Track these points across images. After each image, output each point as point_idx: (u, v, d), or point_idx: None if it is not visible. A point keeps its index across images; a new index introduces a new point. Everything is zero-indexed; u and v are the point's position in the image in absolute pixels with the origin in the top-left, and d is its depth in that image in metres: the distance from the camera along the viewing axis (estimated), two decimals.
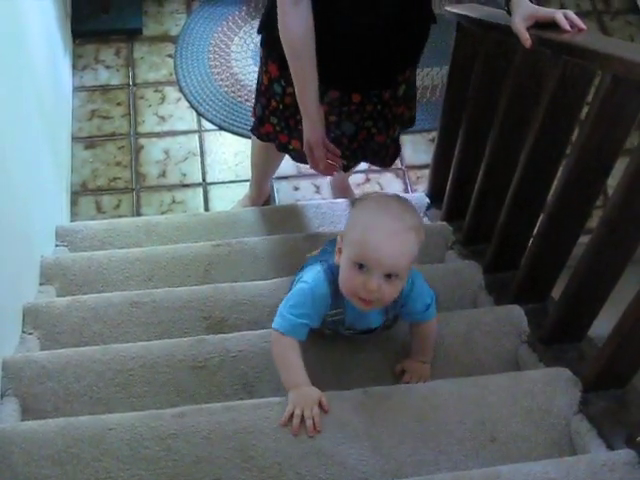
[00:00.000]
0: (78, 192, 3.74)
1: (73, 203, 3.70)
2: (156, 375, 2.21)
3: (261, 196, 3.54)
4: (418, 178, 3.81)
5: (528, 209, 2.44)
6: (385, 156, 2.83)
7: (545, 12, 2.09)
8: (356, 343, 2.24)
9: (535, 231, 2.41)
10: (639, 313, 1.88)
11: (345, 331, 2.16)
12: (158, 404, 2.14)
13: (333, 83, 2.42)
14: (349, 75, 2.42)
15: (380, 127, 2.64)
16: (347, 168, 2.84)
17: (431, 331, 2.18)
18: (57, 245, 3.13)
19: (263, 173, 3.41)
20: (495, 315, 2.38)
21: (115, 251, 2.94)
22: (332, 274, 1.99)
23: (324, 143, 2.44)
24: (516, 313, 2.38)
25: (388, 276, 1.83)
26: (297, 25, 2.18)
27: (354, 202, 2.08)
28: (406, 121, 2.77)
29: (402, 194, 3.59)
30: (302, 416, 1.93)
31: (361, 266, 1.83)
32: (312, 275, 2.03)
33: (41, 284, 2.79)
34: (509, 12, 2.14)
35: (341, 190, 3.63)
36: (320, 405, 1.96)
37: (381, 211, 1.87)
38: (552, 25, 2.05)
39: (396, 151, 2.87)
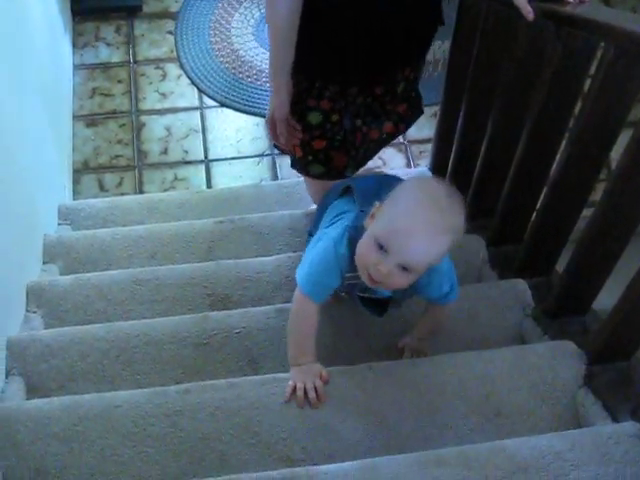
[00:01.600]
0: (80, 170, 3.74)
1: (75, 181, 3.69)
2: (160, 352, 2.21)
3: None
4: (421, 152, 3.80)
5: (531, 182, 2.43)
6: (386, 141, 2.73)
7: None
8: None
9: (538, 204, 2.40)
10: None
11: (359, 294, 2.06)
12: (163, 381, 2.14)
13: (332, 77, 2.38)
14: (347, 69, 2.35)
15: (369, 122, 2.54)
16: (354, 168, 2.66)
17: (442, 314, 2.13)
18: (60, 224, 3.13)
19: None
20: (499, 289, 2.39)
21: (118, 229, 2.94)
22: (356, 236, 1.85)
23: (286, 119, 2.39)
24: (520, 287, 2.38)
25: (404, 267, 1.71)
26: (284, 7, 2.13)
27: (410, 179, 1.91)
28: (410, 116, 2.69)
29: (405, 170, 3.59)
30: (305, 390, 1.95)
31: (381, 246, 1.71)
32: (336, 234, 1.93)
33: (44, 263, 2.79)
34: None
35: None
36: (322, 377, 1.97)
37: (427, 202, 1.70)
38: None
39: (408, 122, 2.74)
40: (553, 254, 2.42)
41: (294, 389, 1.95)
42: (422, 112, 2.72)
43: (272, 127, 2.42)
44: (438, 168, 3.20)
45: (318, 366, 2.00)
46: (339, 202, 2.17)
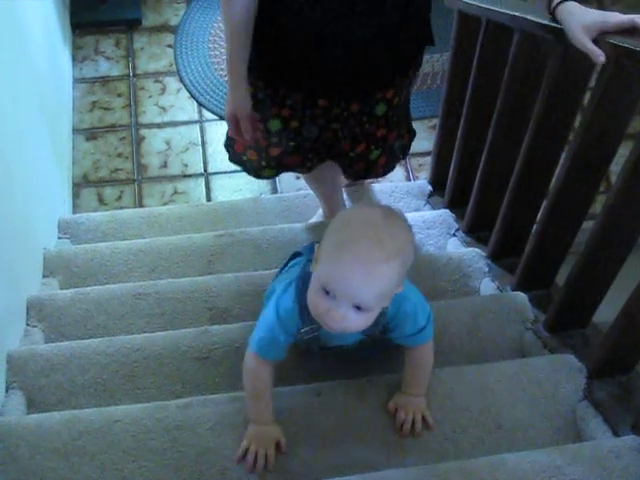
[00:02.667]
0: (80, 184, 3.74)
1: (75, 195, 3.69)
2: (161, 366, 2.22)
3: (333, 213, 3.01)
4: (420, 165, 3.80)
5: (531, 195, 2.43)
6: (347, 166, 2.58)
7: (620, 20, 1.74)
8: (338, 359, 2.11)
9: (538, 217, 2.40)
10: None
11: (319, 350, 2.01)
12: (163, 395, 2.14)
13: (297, 86, 2.29)
14: (314, 80, 2.25)
15: (345, 135, 2.42)
16: (310, 168, 2.58)
17: (425, 358, 1.97)
18: (60, 237, 3.14)
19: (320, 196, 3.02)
20: (499, 302, 2.39)
21: (118, 243, 2.94)
22: (305, 286, 1.73)
23: (249, 115, 2.28)
24: (520, 300, 2.38)
25: (357, 307, 1.60)
26: (240, 3, 2.06)
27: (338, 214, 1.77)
28: (396, 150, 2.61)
29: (404, 183, 3.59)
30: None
31: (327, 292, 1.59)
32: (280, 291, 1.84)
33: (44, 277, 2.80)
34: (554, 18, 1.89)
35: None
36: (278, 446, 1.90)
37: (360, 231, 1.59)
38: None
39: (384, 168, 2.64)
40: (553, 267, 2.42)
41: (246, 451, 1.88)
42: (412, 136, 2.71)
43: (235, 124, 2.31)
44: (437, 181, 3.20)
45: (276, 431, 1.91)
46: (287, 269, 2.14)
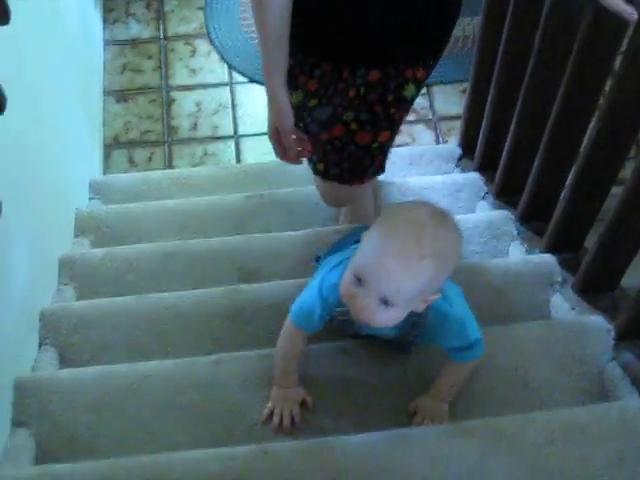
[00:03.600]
0: (111, 145, 3.75)
1: (106, 157, 3.71)
2: (191, 324, 2.24)
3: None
4: (449, 130, 3.79)
5: (561, 159, 2.42)
6: (368, 166, 2.29)
7: None
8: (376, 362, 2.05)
9: (568, 181, 2.40)
10: None
11: (354, 333, 1.99)
12: (193, 353, 2.15)
13: (326, 53, 2.10)
14: (342, 42, 2.05)
15: (363, 121, 2.15)
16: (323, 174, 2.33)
17: (462, 374, 1.92)
18: (91, 198, 3.16)
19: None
20: (528, 265, 2.38)
21: (148, 203, 2.96)
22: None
23: (293, 129, 2.07)
24: (549, 262, 2.38)
25: (384, 301, 1.56)
26: (277, 6, 1.88)
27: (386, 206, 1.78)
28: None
29: (434, 146, 3.58)
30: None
31: (359, 280, 1.57)
32: (328, 270, 1.81)
33: (76, 236, 2.82)
34: None
35: (358, 217, 2.71)
36: (304, 404, 1.94)
37: (402, 227, 1.55)
38: None
39: (380, 167, 2.34)
40: (582, 230, 2.42)
41: (271, 413, 1.92)
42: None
43: (278, 141, 2.10)
44: (467, 145, 3.19)
45: (300, 392, 1.94)
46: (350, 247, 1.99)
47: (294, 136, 2.08)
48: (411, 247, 1.51)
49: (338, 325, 1.93)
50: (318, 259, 2.22)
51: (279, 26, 1.91)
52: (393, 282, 1.53)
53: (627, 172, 2.05)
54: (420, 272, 1.52)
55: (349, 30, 2.01)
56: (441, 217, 1.59)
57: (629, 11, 1.72)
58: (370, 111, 2.12)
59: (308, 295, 1.82)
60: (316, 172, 2.35)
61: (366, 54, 2.07)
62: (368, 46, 2.05)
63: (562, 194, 2.44)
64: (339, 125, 2.16)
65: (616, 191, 2.16)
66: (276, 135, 2.08)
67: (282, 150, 2.12)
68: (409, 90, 2.13)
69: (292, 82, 2.11)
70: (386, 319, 1.60)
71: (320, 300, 1.78)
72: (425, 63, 2.13)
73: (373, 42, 2.04)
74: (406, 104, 2.16)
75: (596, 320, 2.13)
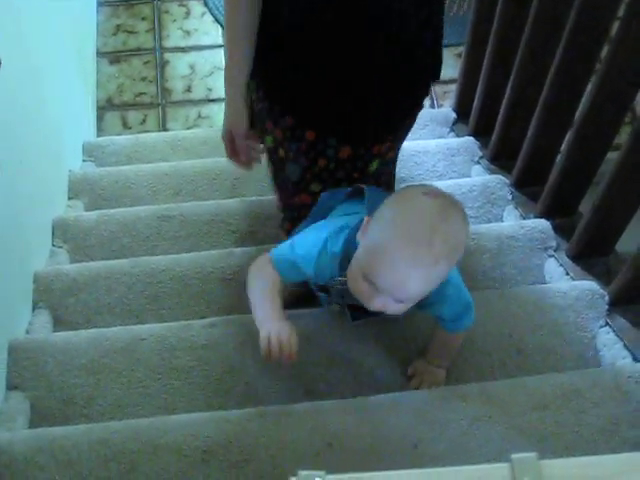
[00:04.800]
0: (104, 107, 3.73)
1: (99, 119, 3.69)
2: (186, 287, 2.24)
3: None
4: (445, 93, 3.77)
5: (557, 124, 2.42)
6: None
7: None
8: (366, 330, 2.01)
9: (563, 146, 2.40)
10: None
11: (349, 304, 1.83)
12: (188, 316, 2.17)
13: (290, 109, 1.95)
14: (311, 105, 1.93)
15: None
16: None
17: (455, 341, 1.91)
18: (84, 160, 3.14)
19: None
20: (523, 229, 2.38)
21: (142, 166, 2.95)
22: (354, 241, 1.63)
23: (246, 134, 2.01)
24: (544, 227, 2.38)
25: (400, 301, 1.53)
26: (246, 6, 1.78)
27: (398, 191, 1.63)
28: None
29: (429, 110, 3.57)
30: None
31: (370, 280, 1.52)
32: (335, 227, 1.73)
33: (69, 199, 2.82)
34: None
35: None
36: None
37: (413, 229, 1.46)
38: None
39: None
40: (577, 195, 2.42)
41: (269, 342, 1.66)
42: None
43: (230, 143, 2.05)
44: (462, 109, 3.18)
45: (291, 326, 1.70)
46: (347, 204, 1.91)
47: (247, 141, 2.03)
48: (424, 255, 1.45)
49: (334, 297, 1.82)
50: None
51: (248, 26, 1.82)
52: (409, 290, 1.50)
53: (622, 137, 2.04)
54: (434, 276, 1.51)
55: (326, 101, 1.89)
56: (450, 209, 1.51)
57: None
58: (336, 185, 2.01)
59: (303, 248, 1.74)
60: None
61: (340, 129, 1.96)
62: (345, 121, 1.94)
63: (557, 159, 2.43)
64: (306, 194, 2.06)
65: (611, 156, 2.16)
66: (229, 137, 2.04)
67: (233, 152, 2.07)
68: (373, 165, 2.03)
69: (262, 125, 2.02)
70: (402, 310, 1.57)
71: (315, 263, 1.71)
72: (393, 138, 2.05)
73: (350, 119, 1.93)
74: (368, 178, 2.02)
75: (590, 285, 2.14)
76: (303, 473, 0.69)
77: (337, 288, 1.76)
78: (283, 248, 1.78)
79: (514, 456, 0.72)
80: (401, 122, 2.03)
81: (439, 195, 1.53)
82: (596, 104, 2.13)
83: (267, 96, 1.94)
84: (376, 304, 1.54)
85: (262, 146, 2.07)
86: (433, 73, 1.99)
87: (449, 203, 1.52)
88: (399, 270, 1.46)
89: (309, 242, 1.74)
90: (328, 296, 1.83)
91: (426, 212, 1.48)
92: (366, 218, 1.59)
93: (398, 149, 2.15)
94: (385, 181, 2.16)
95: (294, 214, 2.13)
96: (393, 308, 1.55)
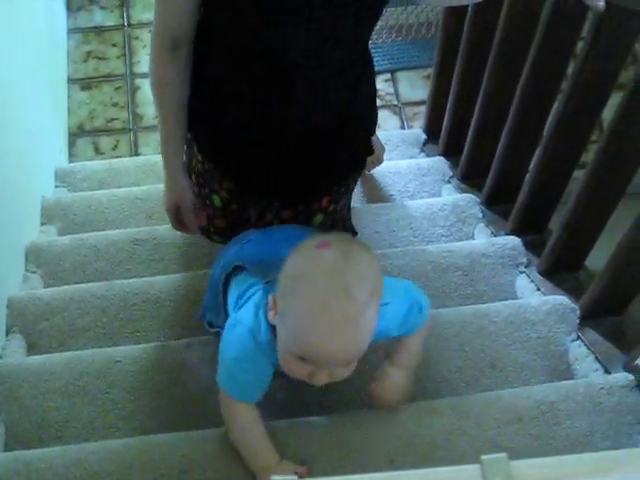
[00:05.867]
0: (76, 134, 3.73)
1: (71, 145, 3.69)
2: (160, 309, 2.24)
3: None
4: (414, 114, 3.80)
5: (525, 142, 2.45)
6: None
7: None
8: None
9: (531, 165, 2.42)
10: (634, 242, 1.92)
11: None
12: (163, 337, 2.17)
13: (230, 176, 2.02)
14: (247, 174, 1.99)
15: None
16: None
17: (413, 343, 1.75)
18: (57, 186, 3.14)
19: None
20: (493, 247, 2.41)
21: (115, 190, 2.95)
22: (269, 325, 1.54)
23: (192, 207, 2.01)
24: (514, 244, 2.41)
25: (344, 364, 1.45)
26: (171, 74, 1.76)
27: (290, 256, 1.47)
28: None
29: (399, 131, 3.60)
30: None
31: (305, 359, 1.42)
32: (249, 318, 1.60)
33: (42, 224, 2.81)
34: None
35: None
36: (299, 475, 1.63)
37: (324, 291, 1.37)
38: None
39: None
40: (546, 213, 2.45)
41: None
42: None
43: (174, 216, 2.02)
44: (432, 129, 3.21)
45: (291, 466, 1.64)
46: (240, 276, 1.78)
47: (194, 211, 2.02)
48: (348, 308, 1.36)
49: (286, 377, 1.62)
50: (210, 324, 1.99)
51: (179, 102, 1.82)
52: (349, 351, 1.41)
53: (590, 155, 2.08)
54: (367, 322, 1.39)
55: (263, 169, 1.95)
56: (349, 249, 1.42)
57: (597, 4, 1.60)
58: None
59: (241, 363, 1.60)
60: None
61: (279, 194, 2.04)
62: (282, 188, 2.00)
63: (526, 177, 2.46)
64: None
65: (578, 175, 2.19)
66: (174, 210, 2.00)
67: (179, 223, 2.04)
68: (317, 219, 2.08)
69: (206, 184, 2.07)
70: (349, 372, 1.48)
71: (263, 356, 1.58)
72: (331, 192, 2.07)
73: (286, 185, 1.99)
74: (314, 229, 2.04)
75: (561, 300, 2.16)
76: (276, 477, 0.70)
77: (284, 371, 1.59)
78: (224, 378, 1.63)
79: (484, 457, 0.73)
80: (339, 180, 2.05)
81: (331, 241, 1.44)
82: (563, 122, 2.16)
83: (207, 160, 2.00)
84: (322, 379, 1.45)
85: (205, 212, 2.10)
86: (368, 132, 2.04)
87: (344, 243, 1.44)
88: (332, 337, 1.37)
89: (240, 351, 1.60)
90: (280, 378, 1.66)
91: (326, 265, 1.38)
92: (270, 298, 1.50)
93: (346, 199, 2.16)
94: (342, 228, 2.19)
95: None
96: (343, 374, 1.47)
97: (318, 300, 1.37)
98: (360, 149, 2.06)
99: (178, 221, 2.03)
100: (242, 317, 1.62)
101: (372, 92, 1.99)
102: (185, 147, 1.98)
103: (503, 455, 0.73)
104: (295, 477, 0.67)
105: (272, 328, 1.53)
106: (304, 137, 1.85)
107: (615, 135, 1.93)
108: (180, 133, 1.88)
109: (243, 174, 1.98)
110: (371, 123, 2.07)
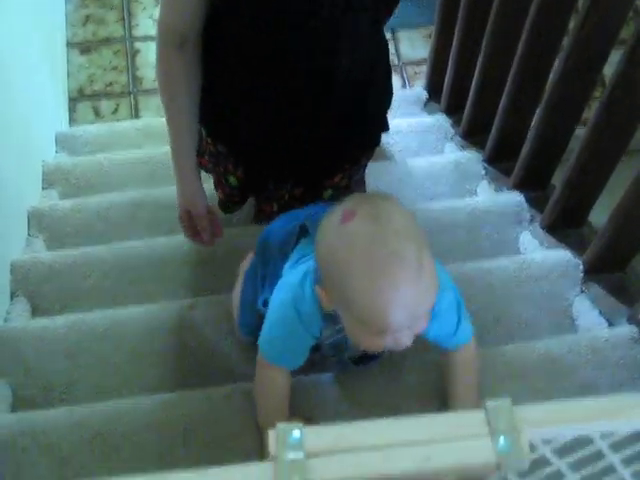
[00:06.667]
0: (76, 98, 3.71)
1: (71, 109, 3.67)
2: (163, 271, 2.24)
3: None
4: (416, 73, 3.78)
5: (527, 98, 2.43)
6: None
7: None
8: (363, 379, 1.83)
9: (534, 120, 2.41)
10: (636, 198, 1.91)
11: (348, 357, 1.71)
12: (166, 299, 2.16)
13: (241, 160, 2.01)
14: (260, 159, 1.97)
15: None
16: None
17: (470, 360, 1.67)
18: (57, 151, 3.13)
19: None
20: (497, 203, 2.40)
21: (116, 153, 2.93)
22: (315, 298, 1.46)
23: (206, 212, 1.93)
24: (517, 200, 2.40)
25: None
26: (179, 71, 1.72)
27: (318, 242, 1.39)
28: None
29: (401, 90, 3.57)
30: None
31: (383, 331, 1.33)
32: (295, 284, 1.52)
33: (44, 189, 2.81)
34: None
35: None
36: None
37: (372, 263, 1.27)
38: None
39: None
40: (549, 168, 2.44)
41: None
42: None
43: (188, 224, 1.96)
44: (434, 88, 3.19)
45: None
46: (300, 247, 1.66)
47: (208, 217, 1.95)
48: (407, 272, 1.26)
49: (330, 352, 1.66)
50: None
51: (190, 111, 1.78)
52: (422, 314, 1.34)
53: (592, 112, 2.06)
54: (427, 270, 1.29)
55: (276, 154, 1.93)
56: (375, 210, 1.32)
57: None
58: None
59: (282, 327, 1.54)
60: None
61: (293, 177, 2.03)
62: (295, 171, 2.00)
63: (528, 133, 2.45)
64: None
65: (580, 133, 2.17)
66: (187, 217, 1.94)
67: (193, 232, 1.97)
68: (327, 194, 2.06)
69: (221, 165, 2.06)
70: (413, 338, 1.39)
71: (303, 325, 1.51)
72: (347, 170, 2.05)
73: (300, 169, 1.98)
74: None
75: (564, 255, 2.16)
76: (281, 425, 0.69)
77: (328, 343, 1.59)
78: (266, 340, 1.57)
79: (488, 403, 0.73)
80: (353, 159, 2.03)
81: (353, 210, 1.33)
82: (564, 78, 2.14)
83: (222, 142, 1.98)
84: (404, 344, 1.37)
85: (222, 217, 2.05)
86: (384, 109, 2.02)
87: (367, 205, 1.34)
88: (406, 303, 1.28)
89: (282, 318, 1.54)
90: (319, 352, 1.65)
91: (361, 240, 1.29)
92: (318, 289, 1.42)
93: (360, 174, 2.15)
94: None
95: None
96: (408, 339, 1.37)
97: (375, 280, 1.27)
98: (374, 127, 2.03)
99: (191, 230, 1.96)
100: (289, 282, 1.55)
101: (388, 69, 1.97)
102: None
103: (507, 400, 0.72)
104: (300, 424, 0.67)
105: (318, 301, 1.46)
106: (318, 120, 1.82)
107: (616, 90, 1.91)
108: (190, 133, 1.81)
109: (255, 159, 1.96)
110: (386, 100, 2.03)
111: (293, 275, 1.55)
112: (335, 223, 1.33)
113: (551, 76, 2.24)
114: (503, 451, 0.69)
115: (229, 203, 2.21)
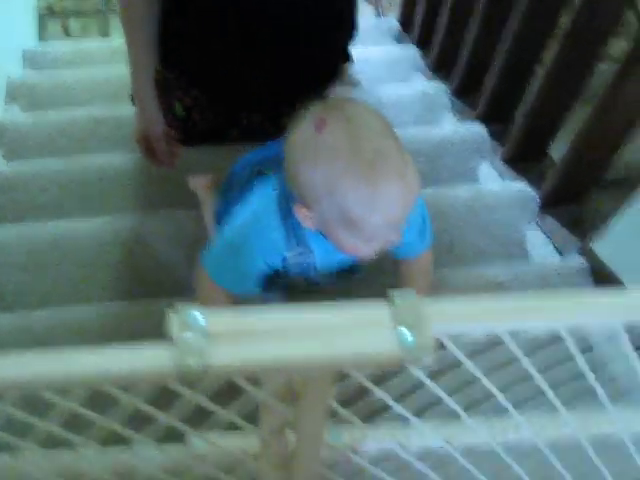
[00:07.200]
0: (45, 15, 3.66)
1: (40, 27, 3.62)
2: (120, 187, 2.23)
3: None
4: (390, 5, 3.74)
5: (494, 31, 2.42)
6: None
7: None
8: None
9: (500, 51, 2.40)
10: (591, 130, 1.91)
11: (318, 278, 1.60)
12: (121, 213, 2.15)
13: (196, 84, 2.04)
14: (217, 83, 2.01)
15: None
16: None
17: (425, 267, 1.69)
18: (24, 67, 3.09)
19: None
20: (458, 133, 2.40)
21: (81, 71, 2.92)
22: (286, 206, 1.40)
23: (163, 135, 1.96)
24: (479, 131, 2.40)
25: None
26: (140, 11, 1.79)
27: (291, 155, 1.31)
28: None
29: (373, 20, 3.54)
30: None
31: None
32: (259, 201, 1.47)
33: (6, 103, 2.78)
34: None
35: None
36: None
37: (357, 166, 1.20)
38: None
39: None
40: (512, 101, 2.42)
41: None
42: None
43: (147, 147, 1.98)
44: (406, 20, 3.17)
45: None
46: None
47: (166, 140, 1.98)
48: (393, 168, 1.22)
49: (297, 273, 1.55)
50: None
51: (146, 24, 1.83)
52: (410, 205, 1.28)
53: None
54: (410, 163, 1.27)
55: (230, 78, 1.96)
56: (346, 111, 1.26)
57: None
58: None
59: (232, 239, 1.48)
60: None
61: (247, 104, 2.05)
62: (250, 98, 2.01)
63: (494, 65, 2.44)
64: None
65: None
66: (145, 141, 1.97)
67: (149, 153, 2.00)
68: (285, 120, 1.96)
69: (169, 95, 2.06)
70: (399, 237, 1.35)
71: (260, 253, 1.45)
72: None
73: (255, 96, 2.00)
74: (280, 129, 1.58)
75: (521, 187, 2.16)
76: (181, 306, 0.69)
77: (294, 263, 1.50)
78: (218, 260, 1.50)
79: (395, 294, 0.72)
80: (311, 90, 1.87)
81: (323, 116, 1.26)
82: (529, 9, 2.13)
83: (171, 70, 1.99)
84: (391, 244, 1.36)
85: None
86: (343, 37, 2.02)
87: (336, 110, 1.27)
88: (397, 194, 1.23)
89: (242, 232, 1.47)
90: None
91: (340, 146, 1.22)
92: (297, 207, 1.33)
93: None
94: None
95: None
96: (395, 238, 1.34)
97: (365, 179, 1.21)
98: (333, 58, 2.03)
99: (148, 151, 1.99)
100: (251, 207, 1.48)
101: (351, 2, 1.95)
102: None
103: (413, 292, 0.71)
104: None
105: (284, 215, 1.41)
106: (272, 42, 1.83)
107: (580, 18, 1.90)
108: (150, 64, 1.87)
109: (209, 84, 1.98)
110: (347, 34, 2.00)
111: (254, 201, 1.49)
112: (307, 135, 1.27)
113: (517, 7, 2.23)
114: (406, 344, 0.68)
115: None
